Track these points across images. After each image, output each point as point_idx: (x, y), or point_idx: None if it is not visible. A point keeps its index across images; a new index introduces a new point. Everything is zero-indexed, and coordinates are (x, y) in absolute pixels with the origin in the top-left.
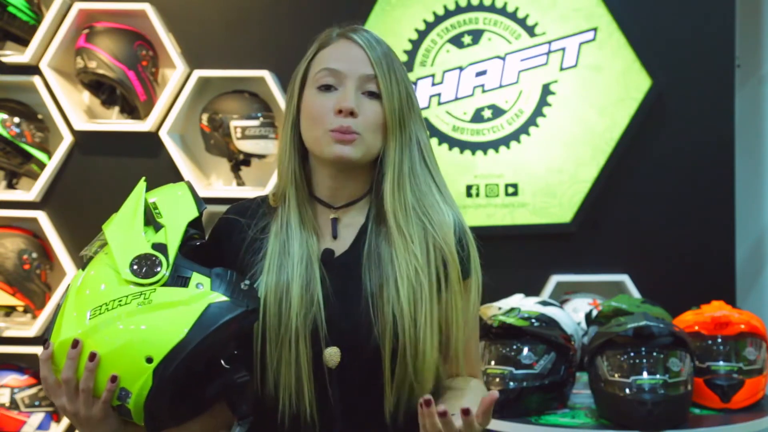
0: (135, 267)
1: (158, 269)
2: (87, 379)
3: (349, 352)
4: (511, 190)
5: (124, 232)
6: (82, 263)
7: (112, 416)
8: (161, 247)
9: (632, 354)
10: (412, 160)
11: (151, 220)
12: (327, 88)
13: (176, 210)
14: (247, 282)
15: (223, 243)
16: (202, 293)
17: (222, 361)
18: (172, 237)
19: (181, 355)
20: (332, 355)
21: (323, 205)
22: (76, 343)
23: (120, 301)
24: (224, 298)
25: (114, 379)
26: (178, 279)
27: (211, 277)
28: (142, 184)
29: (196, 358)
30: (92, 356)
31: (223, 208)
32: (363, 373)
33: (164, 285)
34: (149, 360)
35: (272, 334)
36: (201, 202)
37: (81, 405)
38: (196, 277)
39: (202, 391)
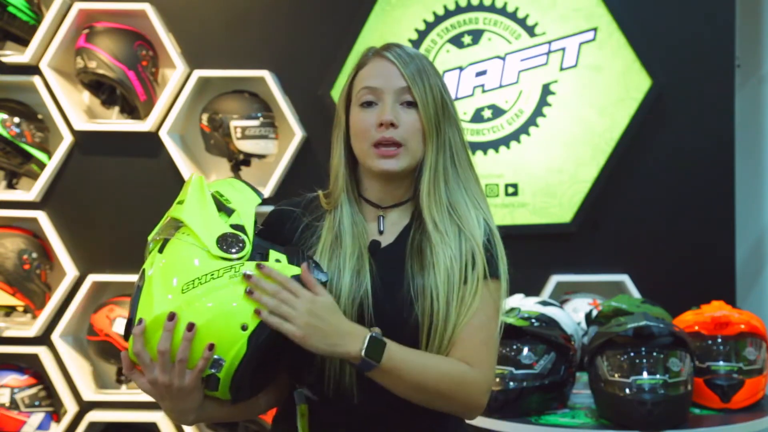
0: (221, 244)
1: (243, 245)
2: (185, 348)
3: (391, 331)
4: (511, 190)
5: (201, 215)
6: (82, 263)
7: (199, 388)
8: (239, 228)
9: (632, 354)
10: (444, 161)
11: (221, 206)
12: (368, 104)
13: (242, 197)
14: (317, 262)
15: (275, 233)
16: (284, 266)
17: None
18: (246, 218)
19: None
20: (373, 331)
21: (371, 206)
22: (172, 316)
23: (212, 274)
24: (301, 271)
25: (211, 347)
26: (258, 255)
27: (286, 253)
28: (198, 176)
29: None
30: (190, 326)
31: None
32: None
33: (248, 260)
34: (244, 327)
35: None
36: (258, 190)
37: (176, 376)
38: (274, 254)
39: (278, 360)
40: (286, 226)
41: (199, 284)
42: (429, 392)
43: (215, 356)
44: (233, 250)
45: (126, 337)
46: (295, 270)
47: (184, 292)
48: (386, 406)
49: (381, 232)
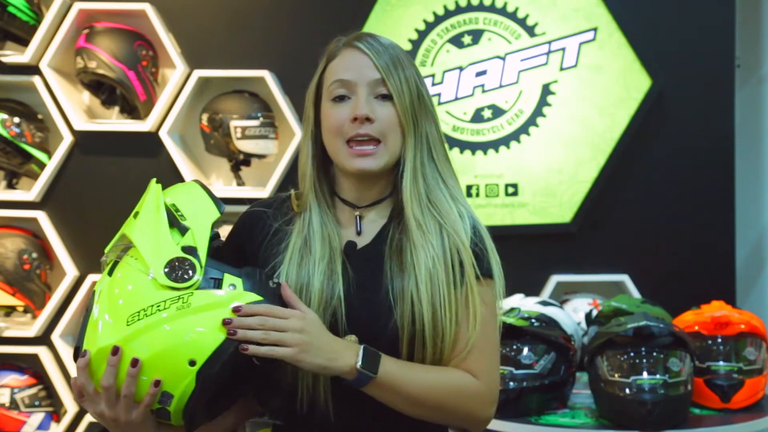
0: (169, 271)
1: (192, 273)
2: (129, 384)
3: (368, 339)
4: (511, 190)
5: (151, 236)
6: (82, 263)
7: (150, 419)
8: (191, 250)
9: (632, 354)
10: (422, 155)
11: (174, 222)
12: (341, 98)
13: (198, 211)
14: (276, 281)
15: (244, 237)
16: (237, 294)
17: (254, 359)
18: (200, 239)
19: (224, 356)
20: (350, 341)
21: (348, 205)
22: (116, 350)
23: (158, 306)
24: (257, 298)
25: (157, 383)
26: (211, 281)
27: (241, 277)
28: (155, 185)
29: (236, 359)
30: (134, 362)
31: None
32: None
33: (198, 288)
34: (192, 363)
35: None
36: (219, 201)
37: (121, 410)
38: (228, 278)
39: (236, 388)
40: (256, 230)
41: (144, 316)
42: (428, 405)
43: (163, 390)
44: (182, 278)
45: (75, 359)
46: (252, 297)
47: (129, 324)
48: (363, 423)
49: (359, 233)
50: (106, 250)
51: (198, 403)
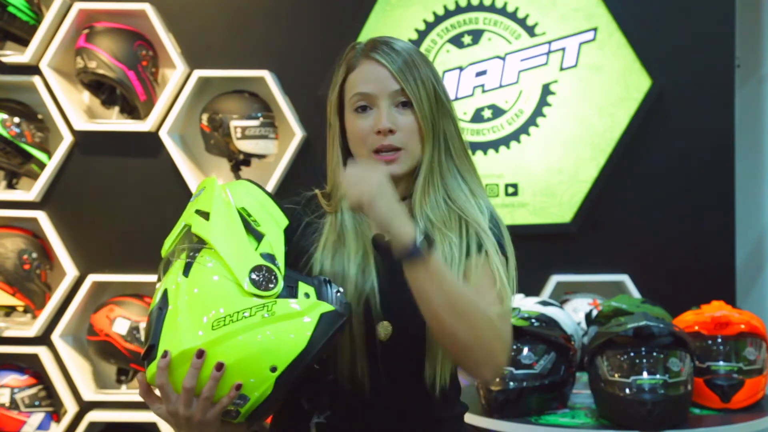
0: (254, 278)
1: (275, 281)
2: (211, 387)
3: (400, 326)
4: (511, 190)
5: (232, 241)
6: (82, 263)
7: (218, 419)
8: (270, 258)
9: (632, 354)
10: (439, 155)
11: (249, 228)
12: (363, 109)
13: (268, 217)
14: (341, 290)
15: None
16: (314, 304)
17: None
18: (277, 247)
19: (303, 363)
20: (385, 327)
21: None
22: (201, 353)
23: (245, 313)
24: (331, 308)
25: (239, 387)
26: (288, 289)
27: (314, 286)
28: (217, 184)
29: (311, 365)
30: (219, 366)
31: None
32: (410, 343)
33: (279, 296)
34: (273, 369)
35: None
36: (282, 205)
37: (198, 410)
38: (303, 287)
39: (296, 390)
40: (289, 225)
41: (230, 322)
42: (461, 314)
43: (241, 393)
44: (267, 287)
45: (144, 360)
46: (327, 307)
47: (215, 329)
48: (401, 400)
49: None
50: (165, 250)
51: (270, 406)
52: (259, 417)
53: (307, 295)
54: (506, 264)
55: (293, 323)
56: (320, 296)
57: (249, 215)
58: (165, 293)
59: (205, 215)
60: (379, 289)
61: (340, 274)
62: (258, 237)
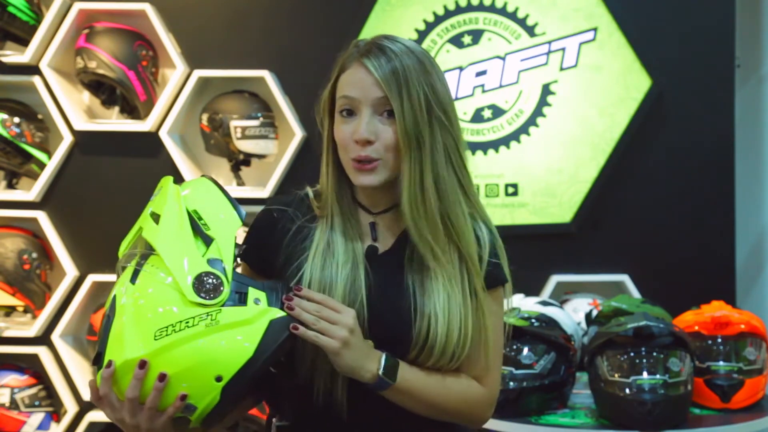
0: (198, 287)
1: (220, 288)
2: (154, 398)
3: (383, 343)
4: (511, 190)
5: (177, 247)
6: (82, 263)
7: (169, 425)
8: (217, 263)
9: (632, 354)
10: (435, 170)
11: (198, 231)
12: (349, 113)
13: (221, 220)
14: (309, 264)
15: (265, 235)
16: (263, 310)
17: (270, 368)
18: (225, 251)
19: (249, 372)
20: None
21: (364, 210)
22: (143, 364)
23: (187, 322)
24: (282, 313)
25: (183, 397)
26: (237, 295)
27: (265, 291)
28: (173, 185)
29: (260, 373)
30: (162, 377)
31: None
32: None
33: (225, 303)
34: (219, 379)
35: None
36: (237, 205)
37: (144, 419)
38: (253, 293)
39: (252, 395)
40: (278, 227)
41: (173, 332)
42: (437, 409)
43: (187, 403)
44: (211, 296)
45: (94, 365)
46: (277, 313)
47: (157, 339)
48: (377, 420)
49: (375, 239)
50: (121, 252)
51: (220, 414)
52: (213, 422)
53: (257, 301)
54: (503, 291)
55: (239, 331)
56: (271, 302)
57: (200, 218)
58: (113, 300)
59: (157, 218)
60: (368, 306)
61: (328, 285)
62: (207, 241)
